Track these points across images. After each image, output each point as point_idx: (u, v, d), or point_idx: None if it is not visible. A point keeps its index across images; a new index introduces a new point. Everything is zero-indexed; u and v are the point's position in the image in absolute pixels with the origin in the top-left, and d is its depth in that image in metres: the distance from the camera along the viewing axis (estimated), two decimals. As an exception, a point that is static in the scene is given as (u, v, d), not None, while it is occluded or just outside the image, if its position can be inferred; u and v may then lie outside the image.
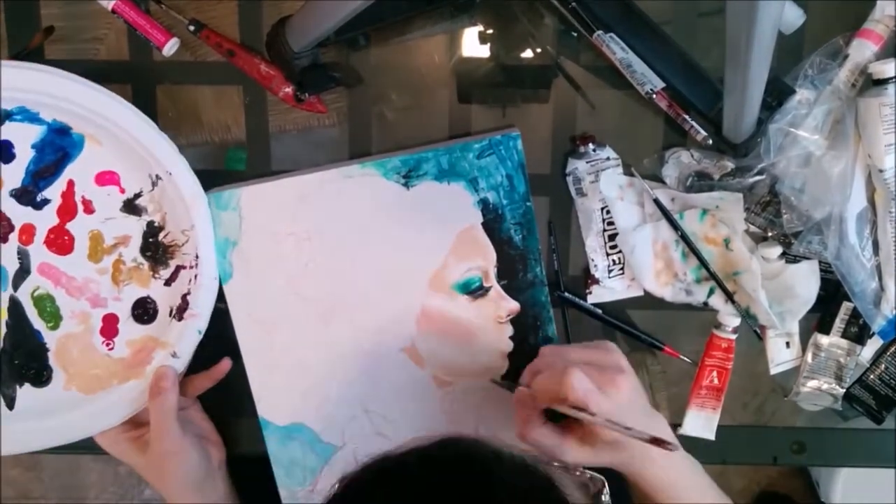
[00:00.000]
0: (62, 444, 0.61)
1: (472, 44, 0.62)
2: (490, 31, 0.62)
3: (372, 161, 0.61)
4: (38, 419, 0.61)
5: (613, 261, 0.64)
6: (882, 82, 0.57)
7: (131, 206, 0.59)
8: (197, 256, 0.59)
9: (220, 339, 0.64)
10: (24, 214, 0.58)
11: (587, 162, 0.62)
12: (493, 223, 0.62)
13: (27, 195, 0.57)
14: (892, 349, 0.66)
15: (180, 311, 0.60)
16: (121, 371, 0.61)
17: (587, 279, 0.65)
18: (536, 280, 0.63)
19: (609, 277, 0.64)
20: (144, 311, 0.61)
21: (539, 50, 0.62)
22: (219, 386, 0.65)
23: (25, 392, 0.61)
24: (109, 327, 0.61)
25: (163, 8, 0.62)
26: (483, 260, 0.62)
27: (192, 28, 0.61)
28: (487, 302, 0.63)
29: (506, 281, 0.62)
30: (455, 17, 0.62)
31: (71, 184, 0.57)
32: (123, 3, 0.61)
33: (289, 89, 0.62)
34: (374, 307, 0.63)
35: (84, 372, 0.61)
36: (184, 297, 0.60)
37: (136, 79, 0.64)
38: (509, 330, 0.63)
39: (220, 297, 0.63)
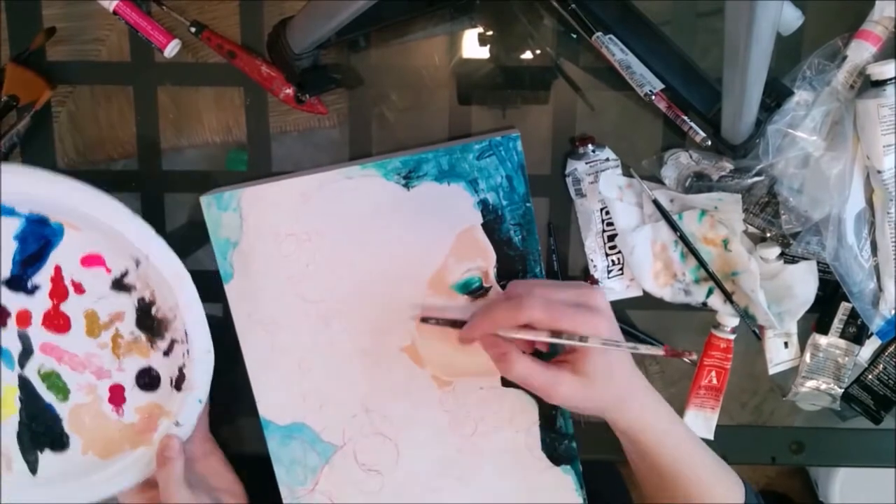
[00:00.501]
0: None
1: (472, 45, 0.62)
2: (490, 33, 0.62)
3: (372, 162, 0.61)
4: (62, 483, 0.63)
5: (612, 261, 0.64)
6: (880, 83, 0.57)
7: (120, 285, 0.60)
8: (186, 333, 0.60)
9: (220, 342, 0.65)
10: (17, 301, 0.60)
11: (586, 163, 0.62)
12: (492, 224, 0.62)
13: (18, 283, 0.59)
14: (891, 349, 0.66)
15: (179, 382, 0.62)
16: (132, 436, 0.63)
17: (586, 279, 0.65)
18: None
19: (608, 278, 0.65)
20: (149, 379, 0.63)
21: (539, 51, 0.62)
22: (221, 386, 0.66)
23: (47, 458, 0.64)
24: (117, 396, 0.63)
25: (164, 9, 0.62)
26: (483, 260, 0.62)
27: (193, 29, 0.61)
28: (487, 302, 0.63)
29: (505, 281, 0.63)
30: (455, 18, 0.62)
31: (58, 269, 0.59)
32: (125, 5, 0.61)
33: (289, 90, 0.62)
34: (375, 307, 0.63)
35: (99, 437, 0.64)
36: (180, 369, 0.62)
37: (138, 80, 0.64)
38: None
39: (221, 298, 0.63)
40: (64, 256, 0.59)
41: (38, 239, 0.58)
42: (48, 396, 0.63)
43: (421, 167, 0.61)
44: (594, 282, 0.65)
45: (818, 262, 0.63)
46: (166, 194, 0.65)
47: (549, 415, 0.65)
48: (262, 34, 0.62)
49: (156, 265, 0.58)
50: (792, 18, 0.60)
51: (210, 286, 0.65)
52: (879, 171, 0.59)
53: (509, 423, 0.65)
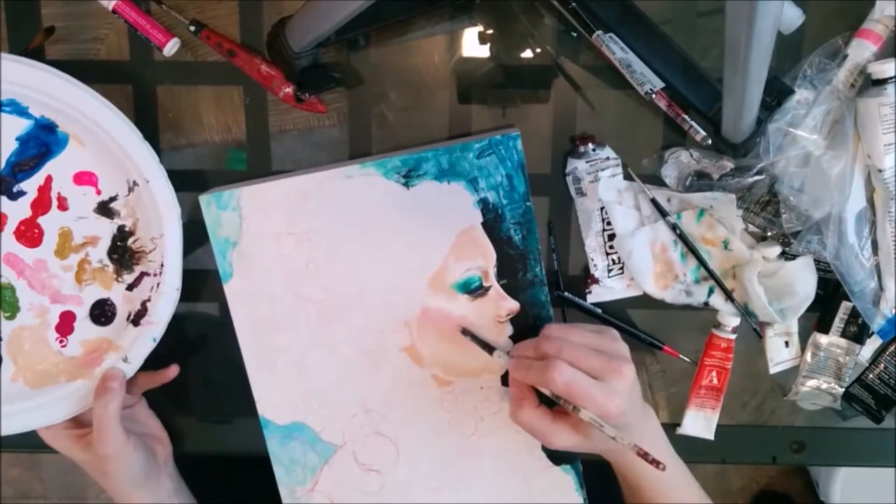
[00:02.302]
0: (5, 435, 0.62)
1: (472, 44, 0.62)
2: (490, 32, 0.62)
3: (372, 161, 0.61)
4: None
5: (613, 260, 0.64)
6: (881, 82, 0.57)
7: (105, 209, 0.60)
8: (162, 265, 0.60)
9: (218, 342, 0.65)
10: None
11: (587, 162, 0.62)
12: (492, 223, 0.62)
13: (4, 185, 0.58)
14: (892, 348, 0.66)
15: (138, 317, 0.61)
16: (70, 370, 0.62)
17: (587, 279, 0.65)
18: (536, 280, 0.63)
19: (609, 277, 0.65)
20: (102, 312, 0.62)
21: (539, 50, 0.62)
22: (220, 386, 0.66)
23: None
24: (65, 325, 0.61)
25: (163, 8, 0.62)
26: (483, 259, 0.62)
27: (192, 28, 0.61)
28: (487, 301, 0.63)
29: (505, 280, 0.62)
30: (455, 17, 0.62)
31: (49, 179, 0.58)
32: (124, 4, 0.61)
33: (289, 89, 0.62)
34: (374, 307, 0.63)
35: (33, 366, 0.62)
36: (143, 303, 0.61)
37: (137, 79, 0.64)
38: (509, 329, 0.63)
39: (219, 297, 0.63)
40: (59, 169, 0.58)
41: (40, 145, 0.57)
42: None
43: (421, 166, 0.61)
44: (594, 281, 0.65)
45: (819, 262, 0.62)
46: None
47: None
48: (262, 33, 0.62)
49: (153, 191, 0.57)
50: (793, 17, 0.60)
51: (209, 286, 0.65)
52: (880, 170, 0.59)
53: (509, 423, 0.64)
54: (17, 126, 0.57)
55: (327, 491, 0.66)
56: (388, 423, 0.65)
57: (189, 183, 0.64)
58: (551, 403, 0.54)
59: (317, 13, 0.52)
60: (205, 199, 0.62)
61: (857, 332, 0.64)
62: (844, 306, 0.64)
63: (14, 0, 0.62)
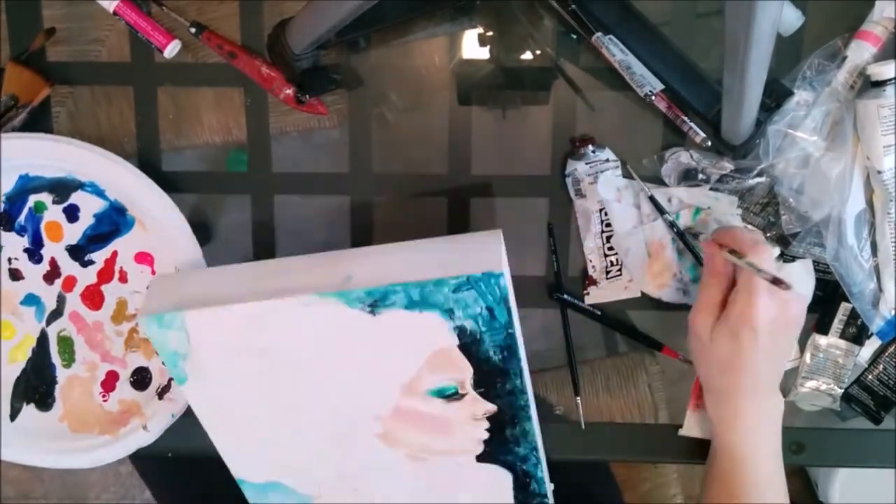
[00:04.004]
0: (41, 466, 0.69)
1: (472, 46, 0.62)
2: (490, 34, 0.62)
3: (333, 291, 0.53)
4: (26, 436, 0.68)
5: (611, 262, 0.64)
6: (880, 84, 0.57)
7: None
8: None
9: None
10: (70, 267, 0.66)
11: (586, 163, 0.62)
12: (470, 346, 0.55)
13: (78, 253, 0.66)
14: (891, 350, 0.66)
15: (163, 391, 0.66)
16: (104, 423, 0.68)
17: (585, 280, 0.65)
18: (516, 390, 0.57)
19: (607, 279, 0.65)
20: (141, 378, 0.68)
21: (539, 52, 0.62)
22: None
23: (29, 411, 0.69)
24: (109, 382, 0.68)
25: (164, 10, 0.62)
26: (458, 373, 0.57)
27: (193, 30, 0.61)
28: (463, 404, 0.59)
29: (483, 389, 0.58)
30: (455, 19, 0.62)
31: (115, 254, 0.66)
32: (125, 5, 0.61)
33: (289, 91, 0.62)
34: (345, 408, 0.60)
35: (78, 412, 0.68)
36: (170, 380, 0.66)
37: (138, 81, 0.64)
38: (485, 423, 0.60)
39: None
40: (124, 246, 0.65)
41: (111, 224, 0.65)
42: (56, 358, 0.68)
43: (388, 297, 0.53)
44: (592, 283, 0.65)
45: (819, 263, 0.63)
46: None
47: (523, 483, 0.63)
48: (262, 35, 0.62)
49: None
50: (792, 19, 0.60)
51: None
52: (879, 172, 0.59)
53: (483, 497, 0.64)
54: (95, 205, 0.65)
55: None
56: (365, 484, 0.64)
57: (189, 184, 0.65)
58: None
59: (317, 15, 0.52)
60: (144, 320, 0.55)
61: (857, 333, 0.64)
62: (844, 307, 0.64)
63: (15, 1, 0.63)
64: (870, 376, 0.66)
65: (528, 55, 0.62)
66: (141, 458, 0.89)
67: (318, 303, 0.54)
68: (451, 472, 0.63)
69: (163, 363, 0.57)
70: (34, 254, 0.66)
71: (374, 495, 0.65)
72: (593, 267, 0.65)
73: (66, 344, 0.67)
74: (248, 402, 0.60)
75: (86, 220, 0.65)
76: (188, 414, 0.66)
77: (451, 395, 0.58)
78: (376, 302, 0.53)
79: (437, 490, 0.64)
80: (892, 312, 0.63)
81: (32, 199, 0.65)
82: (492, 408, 0.59)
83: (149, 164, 0.65)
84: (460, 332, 0.54)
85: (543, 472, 0.63)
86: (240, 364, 0.57)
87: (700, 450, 0.66)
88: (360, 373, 0.58)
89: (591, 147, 0.62)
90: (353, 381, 0.58)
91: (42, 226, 0.65)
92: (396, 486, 0.64)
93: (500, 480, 0.63)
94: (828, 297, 0.64)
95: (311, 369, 0.58)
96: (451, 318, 0.54)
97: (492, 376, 0.57)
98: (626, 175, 0.63)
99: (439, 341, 0.55)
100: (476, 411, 0.59)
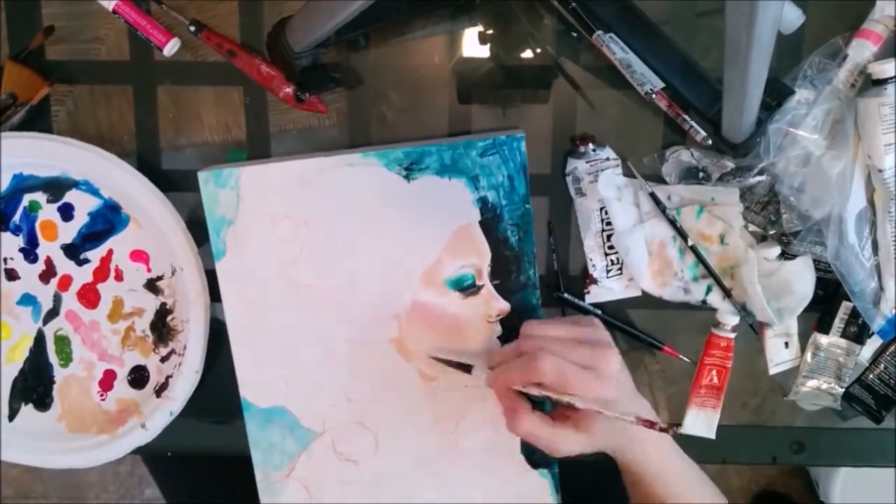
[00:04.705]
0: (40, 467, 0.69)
1: (472, 44, 0.62)
2: (490, 32, 0.62)
3: (374, 151, 0.61)
4: (24, 437, 0.68)
5: (612, 261, 0.64)
6: (881, 82, 0.57)
7: (152, 286, 0.66)
8: (185, 347, 0.65)
9: (218, 344, 0.65)
10: (66, 266, 0.66)
11: (587, 162, 0.62)
12: (490, 222, 0.62)
13: (74, 252, 0.66)
14: (892, 349, 0.66)
15: (161, 389, 0.66)
16: (101, 423, 0.68)
17: (585, 279, 0.65)
18: (529, 283, 0.62)
19: (607, 277, 0.65)
20: (138, 377, 0.68)
21: (539, 50, 0.62)
22: (219, 387, 0.65)
23: (27, 412, 0.69)
24: (107, 381, 0.68)
25: (163, 8, 0.62)
26: (477, 258, 0.62)
27: (192, 28, 0.61)
28: (478, 300, 0.62)
29: (498, 281, 0.62)
30: (455, 17, 0.62)
31: (110, 252, 0.66)
32: (124, 4, 0.61)
33: (289, 89, 0.62)
34: (365, 296, 0.63)
35: (76, 411, 0.68)
36: (168, 378, 0.66)
37: (137, 79, 0.64)
38: (498, 329, 0.63)
39: (219, 298, 0.63)
40: (119, 244, 0.66)
41: (106, 222, 0.65)
42: (53, 358, 0.68)
43: (423, 160, 0.61)
44: (593, 282, 0.65)
45: (820, 262, 0.62)
46: (165, 193, 0.65)
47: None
48: (262, 33, 0.62)
49: (185, 279, 0.63)
50: (793, 17, 0.60)
51: (210, 286, 0.65)
52: (880, 170, 0.59)
53: (490, 423, 0.64)
54: (89, 203, 0.65)
55: (303, 478, 0.66)
56: (370, 414, 0.65)
57: (189, 183, 0.64)
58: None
59: (317, 13, 0.52)
60: (203, 176, 0.62)
61: (858, 332, 0.64)
62: (845, 306, 0.64)
63: (14, 0, 0.62)
64: (871, 375, 0.66)
65: (528, 53, 0.62)
66: (153, 459, 0.89)
67: (360, 163, 0.61)
68: (461, 398, 0.64)
69: (207, 234, 0.62)
70: (29, 253, 0.66)
71: (379, 429, 0.65)
72: (594, 266, 0.64)
73: (63, 343, 0.68)
74: (276, 290, 0.63)
75: (80, 218, 0.65)
76: (186, 412, 0.66)
77: (467, 287, 0.62)
78: (412, 164, 0.60)
79: (442, 421, 0.65)
80: (893, 311, 0.63)
81: (27, 199, 0.65)
82: (505, 306, 0.63)
83: (148, 163, 0.65)
84: (482, 205, 0.61)
85: None
86: (279, 233, 0.62)
87: (699, 449, 0.66)
88: (387, 251, 0.62)
89: (591, 145, 0.62)
90: (380, 261, 0.62)
91: (37, 225, 0.65)
92: (404, 418, 0.65)
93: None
94: (829, 296, 0.64)
95: (343, 243, 0.62)
96: (476, 189, 0.61)
97: (507, 264, 0.62)
98: (627, 174, 0.63)
99: (463, 215, 0.61)
100: (490, 311, 0.62)
